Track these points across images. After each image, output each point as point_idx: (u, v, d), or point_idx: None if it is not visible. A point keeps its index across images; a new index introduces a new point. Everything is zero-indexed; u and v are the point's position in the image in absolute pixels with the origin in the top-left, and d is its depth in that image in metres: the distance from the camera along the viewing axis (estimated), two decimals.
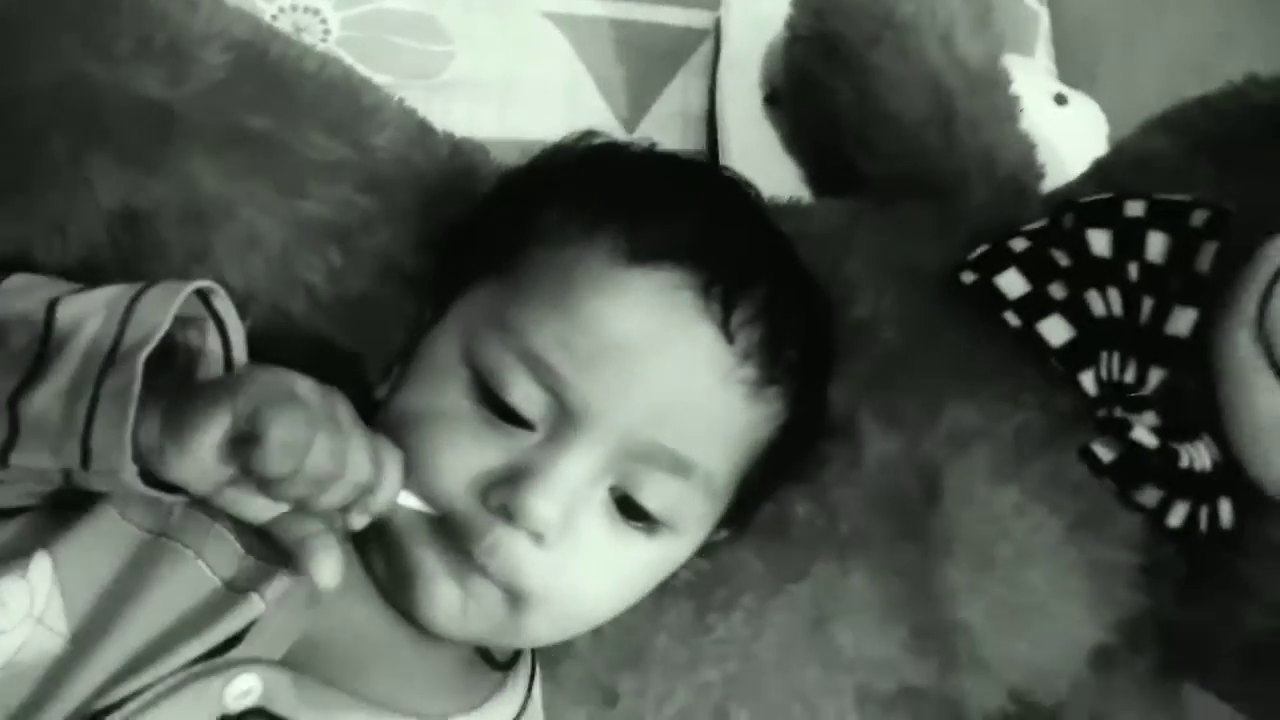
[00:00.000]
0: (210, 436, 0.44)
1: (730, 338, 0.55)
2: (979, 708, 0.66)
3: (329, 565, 0.48)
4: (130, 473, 0.43)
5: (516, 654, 0.61)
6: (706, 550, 0.64)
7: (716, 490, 0.57)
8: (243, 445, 0.44)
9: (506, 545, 0.53)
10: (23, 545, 0.47)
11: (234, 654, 0.48)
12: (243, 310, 0.64)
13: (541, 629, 0.56)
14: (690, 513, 0.57)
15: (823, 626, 0.65)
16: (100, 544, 0.48)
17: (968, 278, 0.63)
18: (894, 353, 0.65)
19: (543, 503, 0.52)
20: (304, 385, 0.46)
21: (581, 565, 0.54)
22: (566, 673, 0.65)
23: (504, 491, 0.53)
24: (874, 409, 0.65)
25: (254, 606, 0.50)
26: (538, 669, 0.63)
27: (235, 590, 0.50)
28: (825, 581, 0.65)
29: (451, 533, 0.53)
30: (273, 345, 0.56)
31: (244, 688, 0.48)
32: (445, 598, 0.54)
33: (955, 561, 0.62)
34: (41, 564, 0.46)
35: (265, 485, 0.45)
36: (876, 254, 0.67)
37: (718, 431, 0.56)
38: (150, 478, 0.45)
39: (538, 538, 0.53)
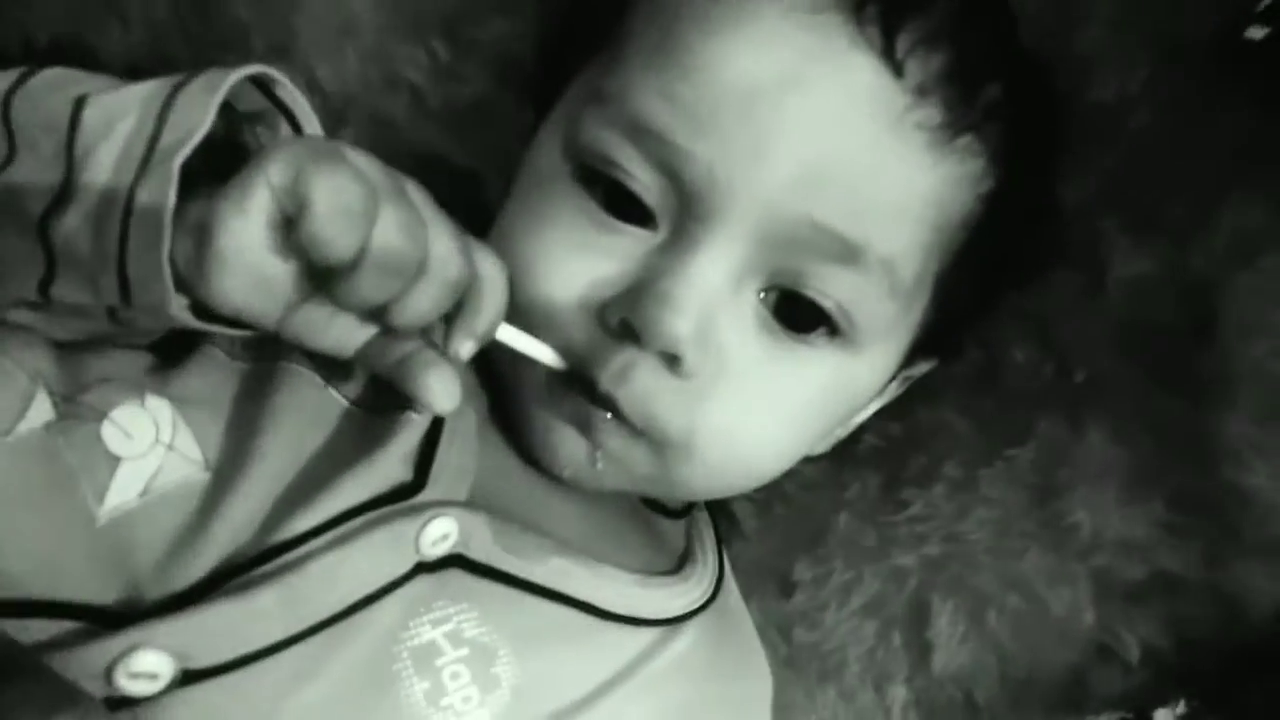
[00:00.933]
0: (245, 228, 0.34)
1: (897, 68, 0.42)
2: (1262, 605, 0.53)
3: (440, 383, 0.38)
4: (177, 305, 0.36)
5: (689, 504, 0.55)
6: (899, 405, 0.55)
7: (902, 285, 0.45)
8: (293, 231, 0.35)
9: (636, 374, 0.43)
10: (132, 379, 0.42)
11: (422, 497, 0.43)
12: (339, 120, 0.54)
13: (697, 479, 0.46)
14: (870, 315, 0.45)
15: (1050, 500, 0.56)
16: (212, 378, 0.43)
17: (1255, 33, 0.51)
18: (1150, 143, 0.53)
19: (671, 315, 0.42)
20: (358, 155, 0.36)
21: (734, 393, 0.44)
22: (734, 556, 0.60)
23: (624, 305, 0.43)
24: (1122, 215, 0.53)
25: (403, 424, 0.43)
26: (717, 525, 0.57)
27: (377, 413, 0.43)
28: (1053, 444, 0.55)
29: (570, 367, 0.44)
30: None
31: (440, 532, 0.42)
32: (568, 449, 0.46)
33: (1235, 410, 0.52)
34: (156, 400, 0.41)
35: (333, 284, 0.35)
36: (1122, 18, 0.54)
37: (893, 199, 0.43)
38: (208, 311, 0.37)
39: (673, 361, 0.43)
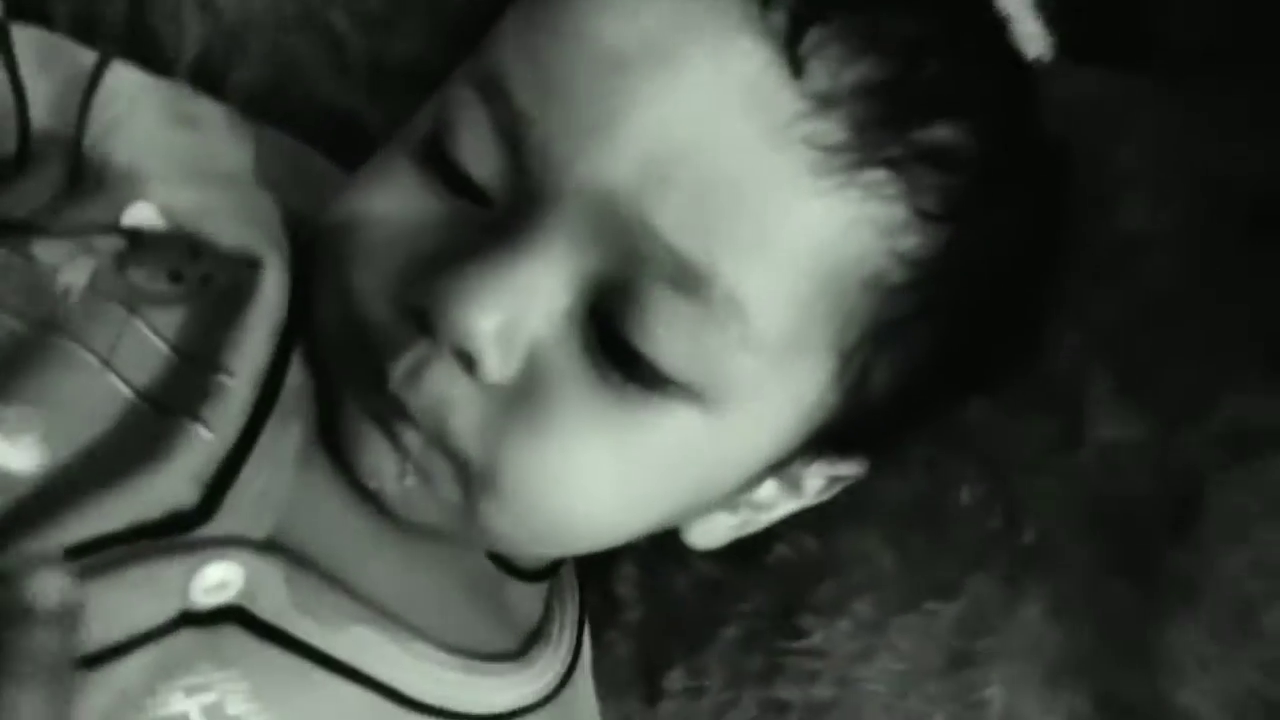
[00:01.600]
0: None
1: (797, 66, 0.35)
2: None
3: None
4: None
5: (555, 563, 0.48)
6: (822, 517, 0.49)
7: (760, 337, 0.37)
8: None
9: (429, 374, 0.37)
10: None
11: (204, 531, 0.36)
12: (236, 49, 0.49)
13: (505, 524, 0.39)
14: (716, 366, 0.37)
15: (965, 668, 0.50)
16: None
17: None
18: (1164, 291, 0.47)
19: (467, 303, 0.35)
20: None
21: (551, 426, 0.37)
22: (602, 643, 0.54)
23: (423, 287, 0.36)
24: (1115, 368, 0.48)
25: (192, 438, 0.37)
26: (584, 600, 0.50)
27: (162, 411, 0.37)
28: (982, 605, 0.50)
29: (370, 357, 0.38)
30: (277, 110, 0.46)
31: (218, 578, 0.36)
32: (375, 457, 0.39)
33: (1193, 620, 0.46)
34: None
35: None
36: (1162, 145, 0.49)
37: (754, 224, 0.35)
38: None
39: (469, 364, 0.36)
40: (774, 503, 0.45)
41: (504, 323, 0.36)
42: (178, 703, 0.35)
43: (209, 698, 0.35)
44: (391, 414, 0.37)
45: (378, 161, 0.41)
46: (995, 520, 0.49)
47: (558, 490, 0.38)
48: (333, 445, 0.40)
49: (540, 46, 0.37)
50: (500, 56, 0.37)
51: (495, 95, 0.37)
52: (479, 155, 0.37)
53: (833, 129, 0.35)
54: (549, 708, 0.45)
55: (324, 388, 0.40)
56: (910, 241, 0.37)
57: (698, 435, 0.38)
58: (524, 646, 0.45)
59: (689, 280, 0.35)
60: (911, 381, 0.41)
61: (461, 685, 0.41)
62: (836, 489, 0.47)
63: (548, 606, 0.48)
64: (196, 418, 0.37)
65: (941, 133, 0.37)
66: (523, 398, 0.37)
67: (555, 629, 0.47)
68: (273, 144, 0.47)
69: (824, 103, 0.35)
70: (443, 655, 0.41)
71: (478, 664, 0.42)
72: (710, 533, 0.46)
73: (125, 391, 0.37)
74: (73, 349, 0.37)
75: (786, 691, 0.52)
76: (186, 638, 0.36)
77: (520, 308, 0.36)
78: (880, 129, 0.35)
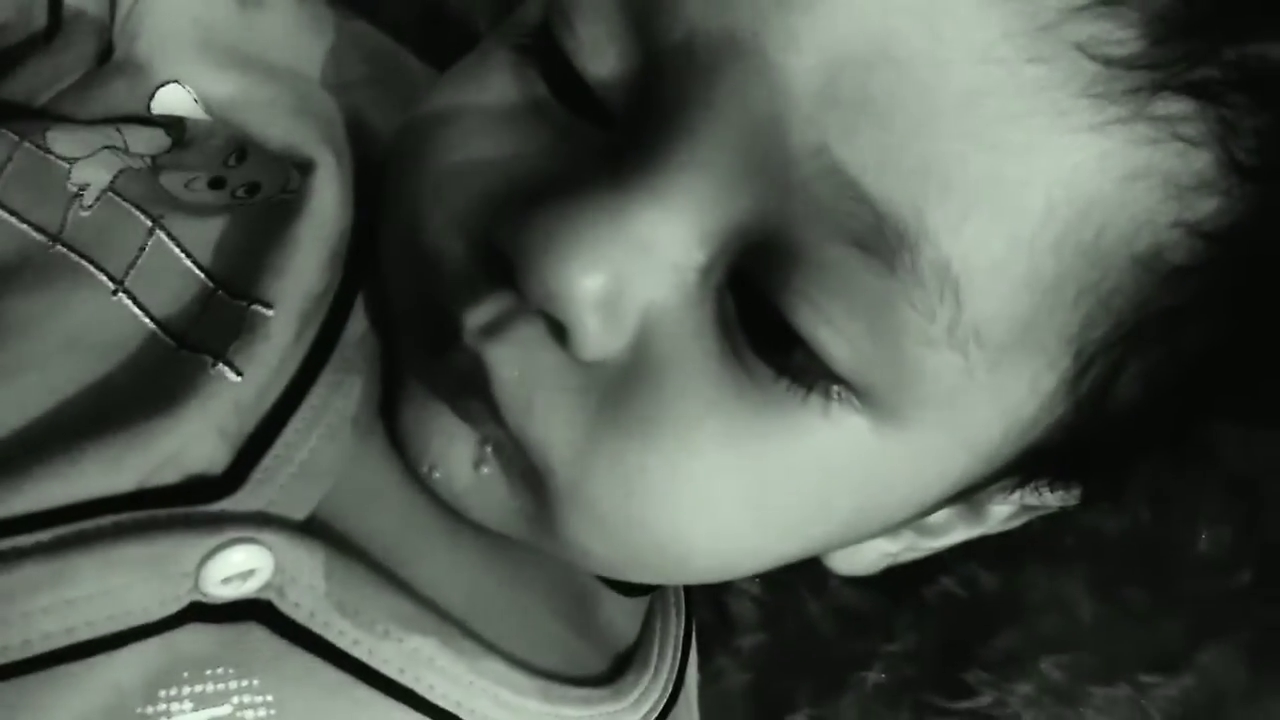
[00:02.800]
0: None
1: None
2: None
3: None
4: None
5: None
6: (1003, 548, 0.40)
7: (976, 327, 0.27)
8: None
9: (514, 332, 0.29)
10: None
11: (228, 504, 0.31)
12: None
13: (591, 540, 0.32)
14: (914, 367, 0.28)
15: None
16: None
17: None
18: None
19: (567, 260, 0.28)
20: None
21: (662, 431, 0.29)
22: (711, 670, 0.46)
23: (513, 222, 0.29)
24: None
25: (215, 382, 0.31)
26: (691, 616, 0.42)
27: (186, 347, 0.32)
28: (1218, 683, 0.40)
29: (440, 306, 0.31)
30: None
31: (241, 565, 0.30)
32: (445, 435, 0.32)
33: None
34: None
35: None
36: None
37: (991, 164, 0.26)
38: None
39: (561, 333, 0.29)
40: (947, 529, 0.37)
41: (610, 284, 0.28)
42: (182, 714, 0.29)
43: (221, 711, 0.30)
44: (460, 383, 0.31)
45: (472, 58, 0.34)
46: (1242, 575, 0.41)
47: (665, 509, 0.30)
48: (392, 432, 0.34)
49: None
50: None
51: None
52: (599, 49, 0.29)
53: (1120, 33, 0.25)
54: None
55: (390, 343, 0.34)
56: (1209, 206, 0.27)
57: (863, 453, 0.30)
58: (616, 669, 0.38)
59: (883, 242, 0.26)
60: (1168, 394, 0.32)
61: (539, 714, 0.34)
62: (1029, 517, 0.38)
63: (646, 624, 0.40)
64: (223, 357, 0.31)
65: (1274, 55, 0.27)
66: (628, 383, 0.29)
67: (654, 651, 0.40)
68: (355, 38, 0.41)
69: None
70: (518, 677, 0.34)
71: (560, 688, 0.35)
72: (859, 558, 0.38)
73: (142, 320, 0.32)
74: (79, 265, 0.32)
75: None
76: (196, 635, 0.30)
77: (634, 265, 0.28)
78: (1192, 37, 0.25)
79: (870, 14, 0.25)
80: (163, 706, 0.29)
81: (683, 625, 0.41)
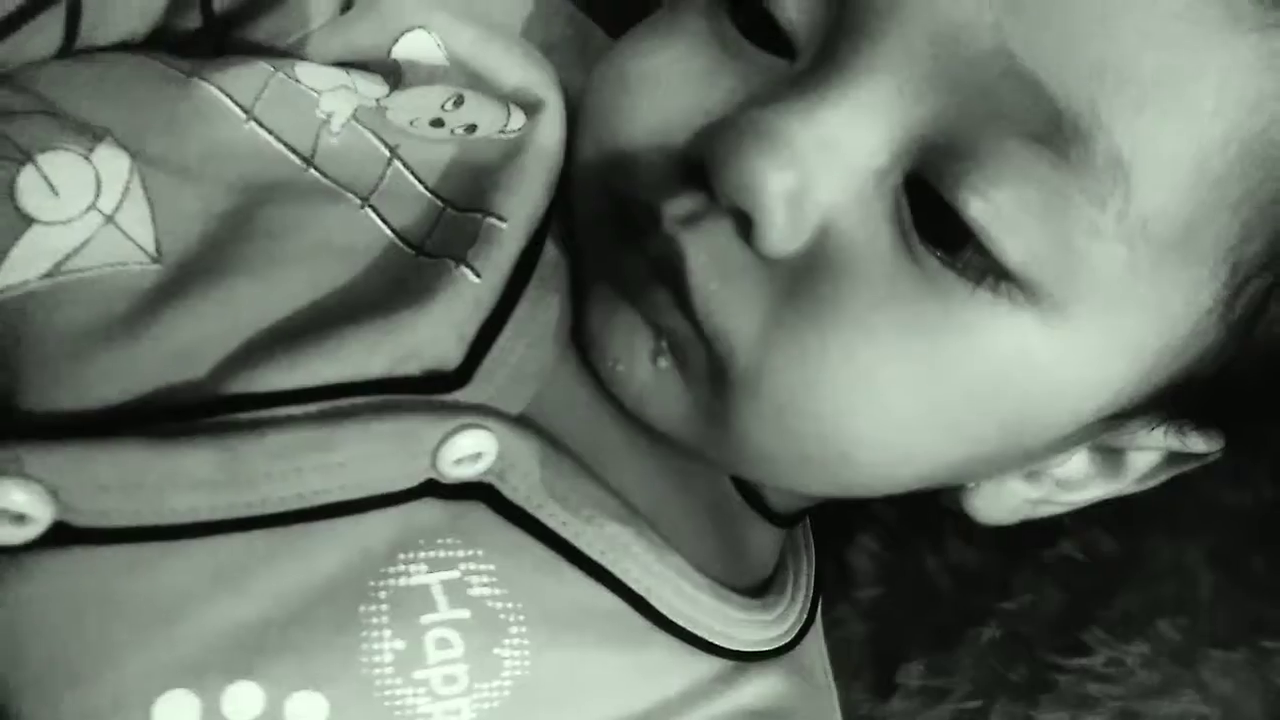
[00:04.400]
0: None
1: None
2: None
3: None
4: None
5: (801, 511, 0.43)
6: (1125, 512, 0.41)
7: (1144, 219, 0.29)
8: None
9: (706, 226, 0.31)
10: (86, 123, 0.33)
11: (462, 394, 0.33)
12: None
13: (763, 437, 0.33)
14: (1083, 260, 0.29)
15: None
16: (212, 158, 0.33)
17: None
18: None
19: (758, 156, 0.30)
20: None
21: (840, 324, 0.31)
22: (830, 619, 0.47)
23: (708, 136, 0.31)
24: None
25: (459, 282, 0.33)
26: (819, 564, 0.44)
27: (426, 254, 0.34)
28: None
29: (630, 212, 0.33)
30: None
31: (472, 448, 0.32)
32: (627, 330, 0.34)
33: None
34: (114, 156, 0.32)
35: None
36: None
37: (1172, 66, 0.28)
38: None
39: (748, 228, 0.31)
40: (1084, 481, 0.38)
41: (798, 181, 0.30)
42: (419, 575, 0.32)
43: (451, 574, 0.32)
44: (649, 273, 0.33)
45: (665, 8, 0.36)
46: None
47: (839, 397, 0.31)
48: (580, 337, 0.36)
49: None
50: None
51: None
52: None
53: None
54: (786, 659, 0.39)
55: (576, 264, 0.36)
56: None
57: (1027, 350, 0.31)
58: (759, 591, 0.40)
59: (1059, 134, 0.28)
60: None
61: (712, 612, 0.36)
62: (1168, 474, 0.38)
63: (782, 556, 0.42)
64: (463, 261, 0.33)
65: None
66: (807, 277, 0.31)
67: (789, 581, 0.41)
68: (557, 7, 0.43)
69: None
70: (695, 574, 0.36)
71: (724, 591, 0.37)
72: (999, 503, 0.39)
73: (385, 231, 0.34)
74: (329, 186, 0.34)
75: (1051, 714, 0.44)
76: (430, 508, 0.32)
77: (821, 165, 0.30)
78: None
79: None
80: (402, 568, 0.31)
81: (812, 570, 0.43)
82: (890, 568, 0.49)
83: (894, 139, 0.30)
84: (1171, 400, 0.33)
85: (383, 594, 0.31)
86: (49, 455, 0.28)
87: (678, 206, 0.31)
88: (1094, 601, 0.44)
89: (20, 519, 0.28)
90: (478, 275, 0.33)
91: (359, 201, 0.34)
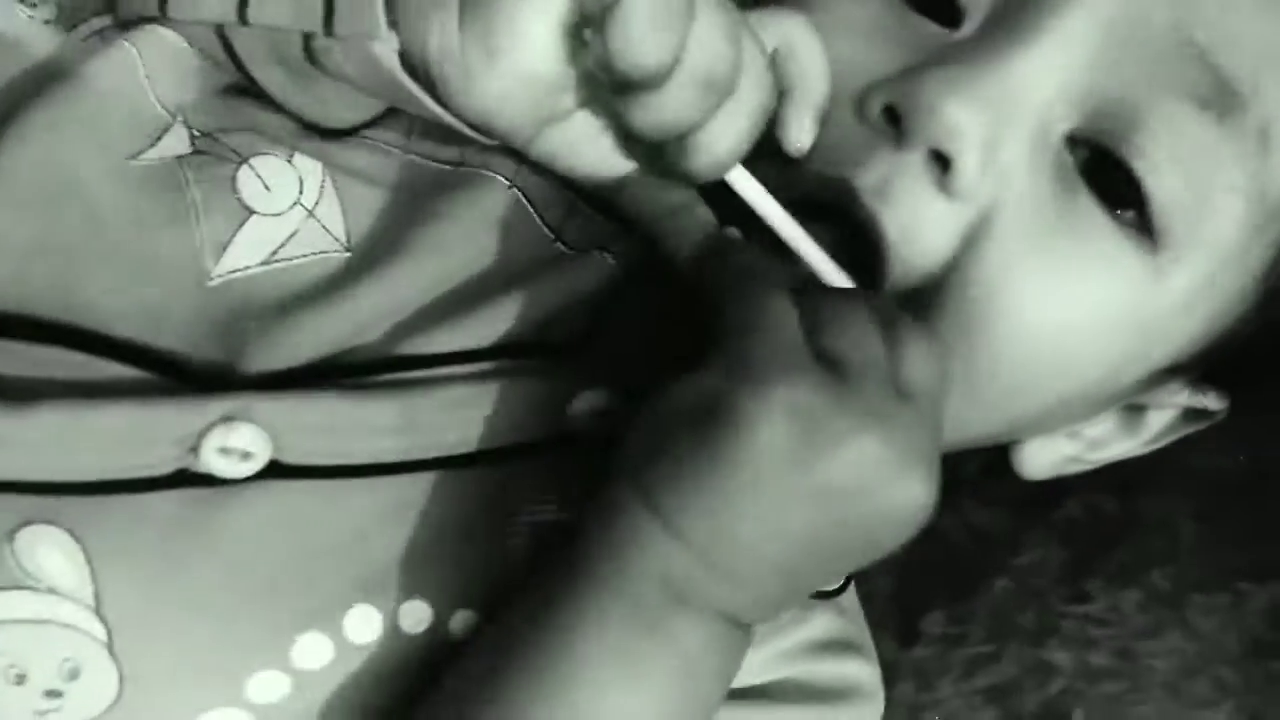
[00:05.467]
0: (533, 29, 0.29)
1: None
2: None
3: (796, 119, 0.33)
4: (386, 44, 0.30)
5: None
6: (1121, 476, 0.44)
7: (1271, 189, 0.33)
8: (587, 34, 0.29)
9: (899, 186, 0.33)
10: (286, 133, 0.36)
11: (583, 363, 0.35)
12: None
13: (978, 361, 0.35)
14: (1215, 213, 0.33)
15: (1271, 658, 0.46)
16: (379, 160, 0.36)
17: None
18: None
19: (956, 100, 0.32)
20: None
21: (1006, 253, 0.33)
22: (859, 576, 0.49)
23: (894, 88, 0.33)
24: None
25: (602, 267, 0.35)
26: None
27: (570, 246, 0.36)
28: None
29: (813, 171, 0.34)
30: None
31: (587, 405, 0.35)
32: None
33: None
34: (309, 161, 0.35)
35: (629, 100, 0.29)
36: None
37: None
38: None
39: (943, 166, 0.33)
40: (1108, 440, 0.41)
41: (991, 128, 0.32)
42: (546, 514, 0.34)
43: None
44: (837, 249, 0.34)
45: None
46: None
47: (1009, 324, 0.34)
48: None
49: None
50: None
51: None
52: None
53: None
54: (835, 603, 0.42)
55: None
56: None
57: (1159, 289, 0.34)
58: None
59: (1222, 102, 0.32)
60: None
61: None
62: (1174, 436, 0.42)
63: None
64: (606, 250, 0.36)
65: None
66: (986, 222, 0.33)
67: None
68: None
69: None
70: None
71: None
72: (1044, 456, 0.42)
73: (530, 211, 0.36)
74: (494, 178, 0.36)
75: (1057, 654, 0.49)
76: (561, 459, 0.34)
77: (1010, 114, 0.33)
78: None
79: None
80: (533, 509, 0.34)
81: None
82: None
83: (1073, 96, 0.33)
84: (1208, 354, 0.37)
85: (524, 530, 0.34)
86: (271, 403, 0.31)
87: (870, 174, 0.33)
88: (1094, 555, 0.49)
89: (246, 456, 0.31)
90: (614, 260, 0.35)
91: (518, 194, 0.36)
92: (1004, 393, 0.36)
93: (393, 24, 0.30)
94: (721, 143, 0.30)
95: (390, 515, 0.33)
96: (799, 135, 0.33)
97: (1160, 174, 0.32)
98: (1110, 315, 0.34)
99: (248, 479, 0.31)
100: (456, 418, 0.33)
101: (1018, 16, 0.33)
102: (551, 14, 0.29)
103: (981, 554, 0.51)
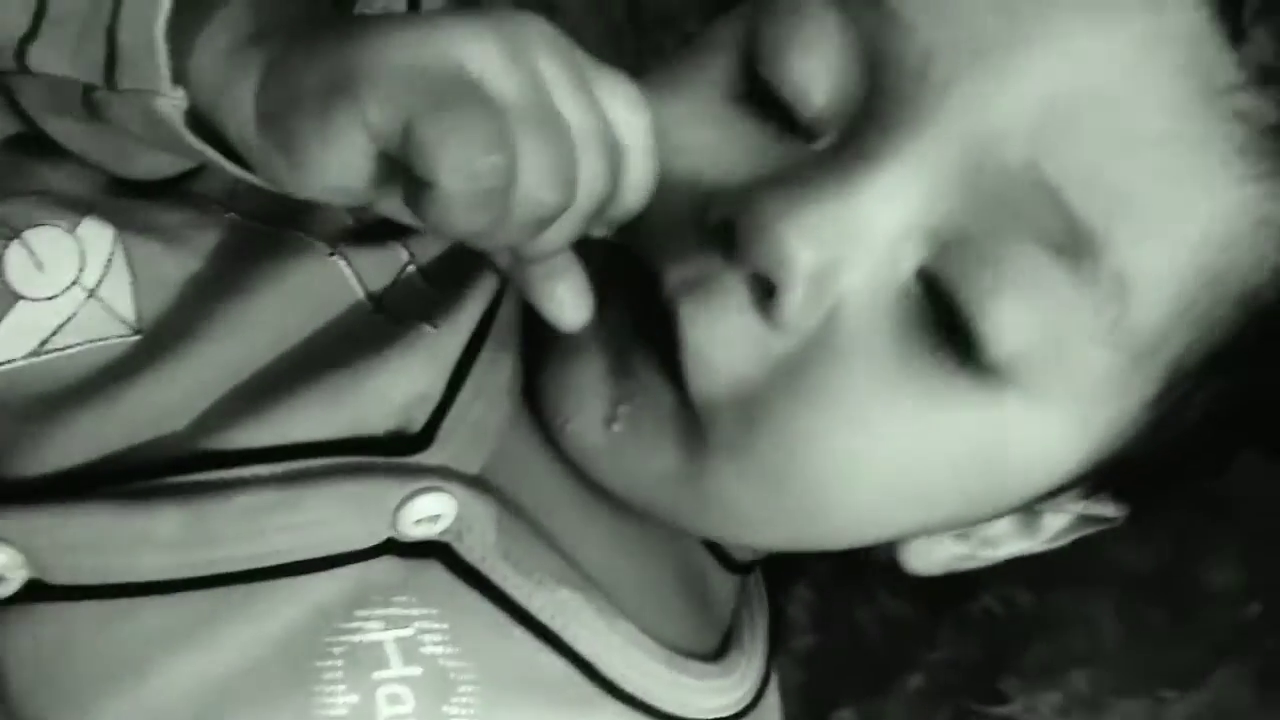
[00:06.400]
0: (329, 157, 0.27)
1: (1237, 31, 0.30)
2: None
3: (572, 297, 0.31)
4: (170, 100, 0.28)
5: (755, 561, 0.43)
6: (1041, 568, 0.41)
7: (1130, 331, 0.31)
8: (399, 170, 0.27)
9: (714, 294, 0.31)
10: (76, 197, 0.34)
11: (423, 457, 0.34)
12: None
13: (739, 495, 0.33)
14: (1074, 360, 0.31)
15: None
16: (190, 217, 0.35)
17: None
18: None
19: (792, 232, 0.30)
20: (496, 38, 0.27)
21: (840, 399, 0.32)
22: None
23: (736, 201, 0.31)
24: None
25: (424, 337, 0.34)
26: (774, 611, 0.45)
27: (392, 318, 0.34)
28: (1228, 703, 0.44)
29: (630, 269, 0.33)
30: None
31: (432, 510, 0.33)
32: (583, 391, 0.34)
33: None
34: (98, 229, 0.33)
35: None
36: None
37: (1166, 200, 0.30)
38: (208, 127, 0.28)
39: (766, 295, 0.31)
40: (1002, 539, 0.40)
41: (824, 261, 0.30)
42: (374, 632, 0.32)
43: (406, 632, 0.33)
44: (631, 334, 0.33)
45: (674, 63, 0.35)
46: (1254, 607, 0.44)
47: (825, 466, 0.32)
48: (534, 397, 0.37)
49: None
50: None
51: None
52: (813, 72, 0.32)
53: (1269, 108, 0.30)
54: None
55: (532, 327, 0.36)
56: None
57: (1008, 434, 0.33)
58: (722, 648, 0.41)
59: (1072, 246, 0.30)
60: (1223, 423, 0.35)
61: (663, 680, 0.37)
62: (1075, 536, 0.40)
63: (737, 605, 0.43)
64: (426, 320, 0.34)
65: None
66: (810, 355, 0.32)
67: (747, 634, 0.42)
68: None
69: (1264, 76, 0.30)
70: (648, 642, 0.37)
71: (680, 660, 0.38)
72: (929, 556, 0.40)
73: (353, 284, 0.35)
74: (300, 235, 0.35)
75: None
76: (388, 566, 0.33)
77: (848, 248, 0.31)
78: None
79: (1091, 60, 0.30)
80: (357, 625, 0.32)
81: (767, 616, 0.44)
82: (822, 616, 0.50)
83: (919, 231, 0.31)
84: (1098, 474, 0.36)
85: (338, 650, 0.32)
86: (24, 519, 0.29)
87: (685, 270, 0.32)
88: (1011, 652, 0.46)
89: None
90: (438, 330, 0.34)
91: (327, 250, 0.34)
92: (837, 518, 0.34)
93: (179, 78, 0.27)
94: (553, 240, 0.29)
95: (176, 639, 0.31)
96: (576, 312, 0.31)
97: (1008, 319, 0.30)
98: (954, 454, 0.32)
99: (5, 602, 0.29)
100: (258, 528, 0.31)
101: (868, 135, 0.31)
102: (344, 151, 0.26)
103: (894, 647, 0.49)
